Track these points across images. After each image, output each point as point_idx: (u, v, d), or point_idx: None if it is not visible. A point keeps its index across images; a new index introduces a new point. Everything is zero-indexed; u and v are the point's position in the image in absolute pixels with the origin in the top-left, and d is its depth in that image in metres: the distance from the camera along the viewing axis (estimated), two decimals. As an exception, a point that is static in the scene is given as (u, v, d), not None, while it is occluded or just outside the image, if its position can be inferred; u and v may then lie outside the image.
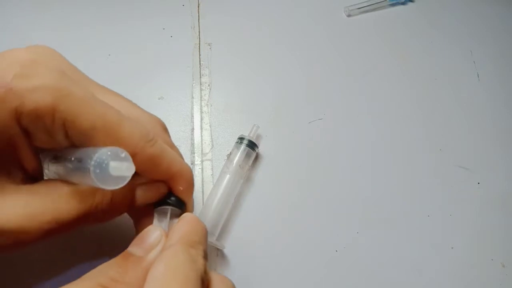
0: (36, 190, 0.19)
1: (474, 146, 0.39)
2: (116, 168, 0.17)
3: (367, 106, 0.39)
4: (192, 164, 0.34)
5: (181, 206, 0.23)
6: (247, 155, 0.33)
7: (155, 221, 0.22)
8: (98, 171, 0.17)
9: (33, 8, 0.40)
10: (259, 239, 0.32)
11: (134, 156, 0.19)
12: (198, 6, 0.42)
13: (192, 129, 0.36)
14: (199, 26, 0.41)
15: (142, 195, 0.22)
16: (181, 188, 0.23)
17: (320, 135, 0.37)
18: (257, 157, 0.35)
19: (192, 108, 0.37)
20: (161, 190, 0.23)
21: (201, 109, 0.37)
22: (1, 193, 0.18)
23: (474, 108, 0.41)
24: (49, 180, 0.20)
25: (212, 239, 0.29)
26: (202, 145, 0.35)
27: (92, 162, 0.17)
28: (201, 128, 0.36)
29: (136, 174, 0.21)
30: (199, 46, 0.40)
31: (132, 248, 0.19)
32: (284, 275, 0.31)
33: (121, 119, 0.20)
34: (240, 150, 0.33)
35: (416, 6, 0.47)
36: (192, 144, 0.35)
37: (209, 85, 0.38)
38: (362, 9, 0.45)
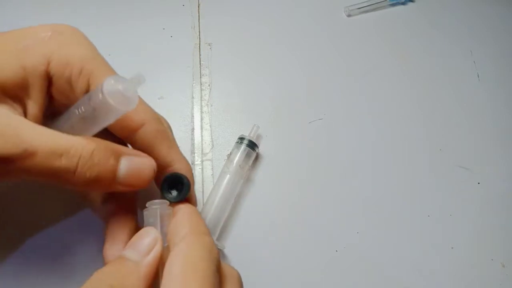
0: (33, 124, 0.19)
1: (474, 146, 0.39)
2: (126, 89, 0.18)
3: (367, 106, 0.39)
4: (192, 164, 0.34)
5: (186, 194, 0.22)
6: (247, 155, 0.33)
7: (146, 221, 0.21)
8: (109, 87, 0.17)
9: (33, 8, 0.39)
10: (259, 240, 0.32)
11: (142, 125, 0.21)
12: (198, 6, 0.42)
13: (192, 129, 0.36)
14: (199, 26, 0.41)
15: (127, 167, 0.20)
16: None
17: (320, 135, 0.37)
18: (257, 157, 0.35)
19: (192, 108, 0.37)
20: (148, 166, 0.21)
21: (201, 109, 0.37)
22: None
23: (474, 108, 0.41)
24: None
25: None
26: (202, 145, 0.35)
27: (104, 82, 0.17)
28: (201, 128, 0.36)
29: (125, 146, 0.21)
30: (199, 46, 0.40)
31: (128, 252, 0.19)
32: (284, 275, 0.31)
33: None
34: (240, 150, 0.33)
35: (416, 6, 0.47)
36: (192, 144, 0.35)
37: (209, 85, 0.38)
38: (362, 9, 0.45)
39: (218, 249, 0.31)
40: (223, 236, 0.31)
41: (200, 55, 0.40)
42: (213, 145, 0.35)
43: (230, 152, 0.33)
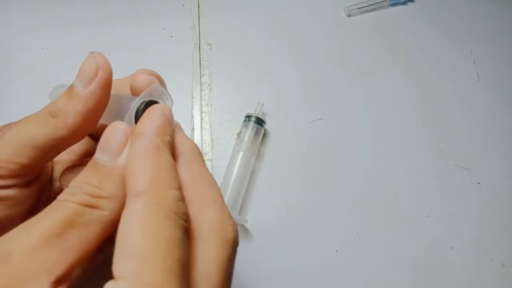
0: None
1: (474, 146, 0.39)
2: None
3: (367, 106, 0.39)
4: (192, 164, 0.34)
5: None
6: (257, 132, 0.34)
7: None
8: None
9: (33, 8, 0.39)
10: (258, 241, 0.32)
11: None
12: (198, 6, 0.42)
13: (192, 129, 0.36)
14: (199, 26, 0.41)
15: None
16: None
17: (320, 135, 0.37)
18: (257, 157, 0.35)
19: (192, 108, 0.37)
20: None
21: (201, 109, 0.37)
22: None
23: (474, 108, 0.41)
24: None
25: (234, 215, 0.30)
26: (202, 145, 0.35)
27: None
28: (201, 128, 0.36)
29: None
30: (199, 46, 0.40)
31: (99, 155, 0.16)
32: (284, 275, 0.31)
33: None
34: (249, 128, 0.34)
35: (416, 6, 0.47)
36: (192, 144, 0.35)
37: (209, 85, 0.38)
38: (362, 9, 0.45)
39: (240, 224, 0.31)
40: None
41: (200, 55, 0.40)
42: (213, 145, 0.35)
43: (240, 131, 0.35)
